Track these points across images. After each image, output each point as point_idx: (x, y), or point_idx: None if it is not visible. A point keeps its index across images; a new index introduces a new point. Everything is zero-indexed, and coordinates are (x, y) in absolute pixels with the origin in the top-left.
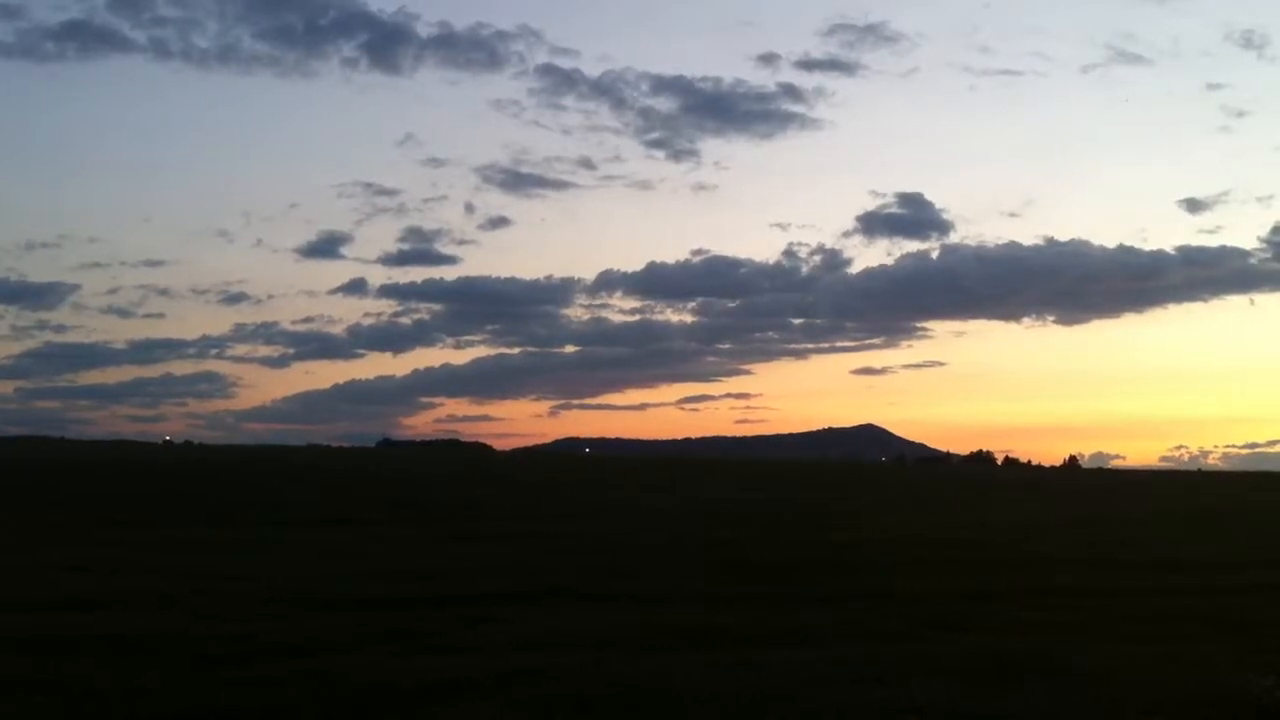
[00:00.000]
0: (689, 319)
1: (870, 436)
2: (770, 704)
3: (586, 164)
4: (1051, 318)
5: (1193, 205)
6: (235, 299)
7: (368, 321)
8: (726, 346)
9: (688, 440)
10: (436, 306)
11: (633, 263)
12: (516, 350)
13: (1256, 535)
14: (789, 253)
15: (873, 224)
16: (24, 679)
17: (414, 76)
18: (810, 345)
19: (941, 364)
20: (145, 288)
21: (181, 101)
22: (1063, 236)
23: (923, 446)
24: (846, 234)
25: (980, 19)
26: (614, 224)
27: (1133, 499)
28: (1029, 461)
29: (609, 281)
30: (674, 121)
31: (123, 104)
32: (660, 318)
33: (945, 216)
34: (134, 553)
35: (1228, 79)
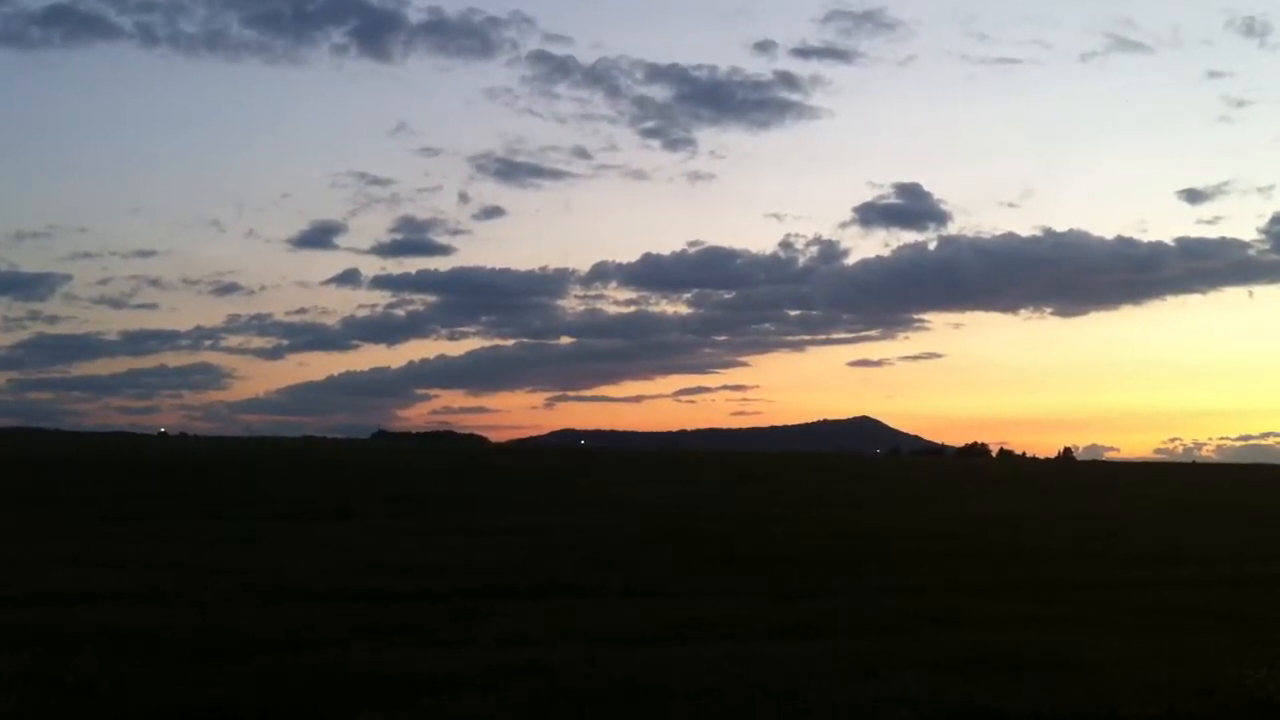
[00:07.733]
0: (685, 310)
1: (866, 429)
2: (765, 698)
3: (581, 153)
4: (1049, 309)
5: (1192, 196)
6: (228, 289)
7: (361, 313)
8: (722, 338)
9: (683, 432)
10: (431, 297)
11: (628, 253)
12: (511, 341)
13: (1251, 528)
14: (785, 244)
15: (870, 214)
16: (20, 674)
17: (405, 64)
18: (806, 337)
19: (939, 356)
20: (137, 278)
21: (169, 89)
22: (1061, 227)
23: (918, 439)
24: (843, 225)
25: (978, 6)
26: (609, 214)
27: (1127, 492)
28: (1023, 454)
29: (604, 272)
30: (669, 110)
31: (110, 91)
32: (656, 309)
33: (943, 207)
34: (129, 545)
35: (1229, 67)
